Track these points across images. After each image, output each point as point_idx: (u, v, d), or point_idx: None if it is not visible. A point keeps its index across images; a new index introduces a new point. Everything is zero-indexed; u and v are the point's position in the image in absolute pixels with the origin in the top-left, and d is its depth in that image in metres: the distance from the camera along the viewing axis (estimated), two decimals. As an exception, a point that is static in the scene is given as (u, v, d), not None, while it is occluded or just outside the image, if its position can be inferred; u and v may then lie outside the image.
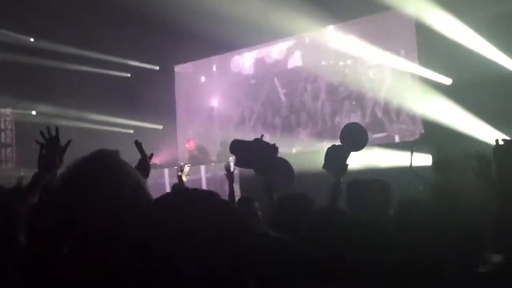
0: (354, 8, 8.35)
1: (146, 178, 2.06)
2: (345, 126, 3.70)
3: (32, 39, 10.35)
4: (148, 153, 2.39)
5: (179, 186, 4.32)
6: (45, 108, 10.78)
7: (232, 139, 3.28)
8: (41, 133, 2.11)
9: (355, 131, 3.64)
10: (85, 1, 8.29)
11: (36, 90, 10.71)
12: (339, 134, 3.50)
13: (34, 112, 11.46)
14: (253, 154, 3.08)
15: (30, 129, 10.22)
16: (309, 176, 4.70)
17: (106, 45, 10.16)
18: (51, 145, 2.08)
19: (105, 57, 10.81)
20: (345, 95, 9.46)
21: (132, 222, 1.22)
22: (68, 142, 2.18)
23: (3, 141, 12.42)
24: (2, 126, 12.42)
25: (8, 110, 12.09)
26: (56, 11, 8.49)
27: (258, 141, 3.15)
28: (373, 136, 8.81)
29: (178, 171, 4.07)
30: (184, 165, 4.10)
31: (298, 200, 2.71)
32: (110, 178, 1.34)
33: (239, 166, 3.16)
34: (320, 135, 9.56)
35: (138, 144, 2.36)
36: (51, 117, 10.25)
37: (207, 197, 1.27)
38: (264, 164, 3.05)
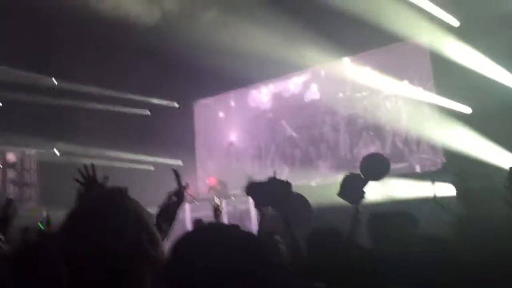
0: (368, 40, 8.43)
1: (179, 208, 2.10)
2: (365, 156, 3.69)
3: (54, 80, 10.63)
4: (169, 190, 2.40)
5: (199, 221, 4.38)
6: (67, 147, 10.97)
7: (252, 173, 3.31)
8: (80, 172, 2.15)
9: (375, 161, 3.63)
10: (104, 41, 8.51)
11: (58, 129, 10.93)
12: (359, 164, 3.49)
13: (56, 152, 11.66)
14: (268, 193, 3.12)
15: (53, 169, 10.39)
16: (330, 209, 4.66)
17: (125, 83, 10.38)
18: (89, 183, 2.12)
19: (124, 96, 11.05)
20: (363, 126, 9.45)
21: (130, 259, 1.24)
22: (106, 179, 2.22)
23: (26, 180, 12.63)
24: (26, 166, 12.65)
25: (32, 151, 12.34)
26: (76, 51, 8.74)
27: (272, 180, 3.19)
28: (393, 166, 8.72)
29: (213, 205, 4.22)
30: (220, 202, 4.31)
31: (327, 235, 2.71)
32: (108, 215, 1.36)
33: (257, 207, 3.21)
34: (339, 167, 9.51)
35: (176, 174, 2.38)
36: (74, 156, 10.42)
37: (231, 231, 1.28)
38: (280, 202, 3.08)
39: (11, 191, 12.88)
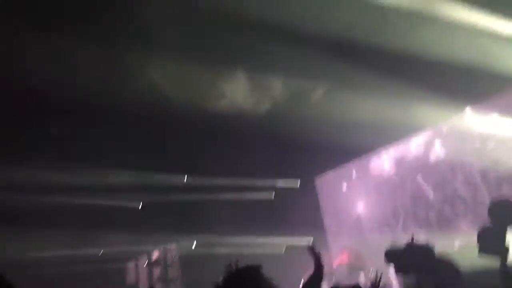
0: (489, 87, 8.01)
1: (321, 284, 2.09)
2: (494, 203, 3.40)
3: (185, 179, 11.47)
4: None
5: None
6: (203, 238, 11.52)
7: (386, 241, 3.18)
8: (228, 266, 2.25)
9: (508, 207, 3.33)
10: (224, 135, 9.07)
11: (194, 223, 11.60)
12: (488, 212, 3.21)
13: (194, 244, 12.27)
14: (409, 258, 2.95)
15: (192, 261, 10.90)
16: (481, 271, 4.26)
17: (248, 171, 10.86)
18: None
19: (249, 183, 11.51)
20: (501, 177, 8.71)
21: None
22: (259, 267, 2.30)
23: (170, 276, 13.33)
24: (169, 262, 13.42)
25: (173, 246, 13.14)
26: (202, 149, 9.42)
27: (411, 244, 3.04)
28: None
29: (371, 281, 3.48)
30: (374, 271, 3.55)
31: None
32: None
33: (399, 274, 3.01)
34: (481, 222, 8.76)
35: (312, 250, 2.38)
36: (210, 247, 10.88)
37: None
38: (423, 267, 2.89)
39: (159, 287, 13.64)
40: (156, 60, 6.74)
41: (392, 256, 3.05)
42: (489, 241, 3.01)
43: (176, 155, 9.62)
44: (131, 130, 8.47)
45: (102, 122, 8.12)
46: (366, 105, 8.04)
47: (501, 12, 6.89)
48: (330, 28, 7.09)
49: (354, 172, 11.49)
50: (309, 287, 2.15)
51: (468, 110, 9.06)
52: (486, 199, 8.93)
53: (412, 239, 3.18)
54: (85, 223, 10.28)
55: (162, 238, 12.40)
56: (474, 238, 8.40)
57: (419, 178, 10.07)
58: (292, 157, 10.27)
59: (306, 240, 11.34)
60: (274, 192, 12.17)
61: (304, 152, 9.87)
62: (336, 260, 10.84)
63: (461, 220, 9.22)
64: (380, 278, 3.22)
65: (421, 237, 8.99)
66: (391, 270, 7.71)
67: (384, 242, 9.72)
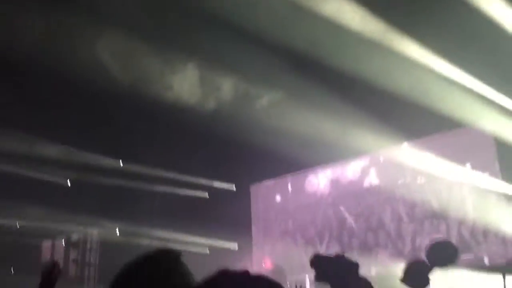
0: (428, 125, 8.31)
1: None
2: (432, 242, 3.51)
3: (120, 162, 11.17)
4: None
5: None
6: (128, 227, 11.25)
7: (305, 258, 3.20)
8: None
9: (443, 247, 3.44)
10: (166, 127, 8.92)
11: (120, 210, 11.31)
12: (425, 249, 3.30)
13: (117, 232, 11.97)
14: (335, 269, 2.95)
15: (113, 249, 10.61)
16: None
17: (186, 167, 10.72)
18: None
19: (185, 178, 11.36)
20: (426, 215, 9.01)
21: None
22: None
23: (88, 260, 12.93)
24: (88, 246, 13.02)
25: (95, 230, 12.75)
26: (141, 136, 9.21)
27: (340, 257, 3.04)
28: (460, 257, 8.20)
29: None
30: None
31: None
32: (156, 271, 1.36)
33: (318, 281, 3.01)
34: (400, 256, 9.03)
35: None
36: (134, 237, 10.63)
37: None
38: (343, 282, 2.90)
39: (73, 270, 13.19)
40: (106, 38, 6.52)
41: (317, 261, 3.02)
42: (415, 275, 3.10)
43: (114, 137, 9.34)
44: (72, 103, 8.14)
45: (41, 90, 7.78)
46: (310, 121, 8.13)
47: (449, 55, 7.19)
48: (291, 40, 7.15)
49: (289, 185, 11.58)
50: None
51: (405, 144, 9.35)
52: (408, 233, 9.24)
53: (343, 253, 3.20)
54: (6, 192, 9.78)
55: (85, 220, 12.00)
56: (390, 268, 8.70)
57: (349, 203, 10.27)
58: (231, 160, 10.23)
59: (231, 244, 11.35)
60: (208, 193, 12.07)
61: (244, 157, 9.85)
62: (258, 266, 10.86)
63: (381, 250, 9.47)
64: None
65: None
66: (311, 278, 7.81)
67: (305, 258, 9.86)
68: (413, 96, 7.46)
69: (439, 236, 8.64)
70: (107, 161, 10.92)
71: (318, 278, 3.03)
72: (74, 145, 9.93)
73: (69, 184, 11.25)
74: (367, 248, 9.64)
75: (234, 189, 11.93)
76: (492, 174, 8.23)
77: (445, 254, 3.26)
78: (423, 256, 3.31)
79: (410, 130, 8.61)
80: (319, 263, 3.01)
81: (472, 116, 7.85)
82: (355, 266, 2.94)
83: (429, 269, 3.11)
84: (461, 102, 7.57)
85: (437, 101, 7.53)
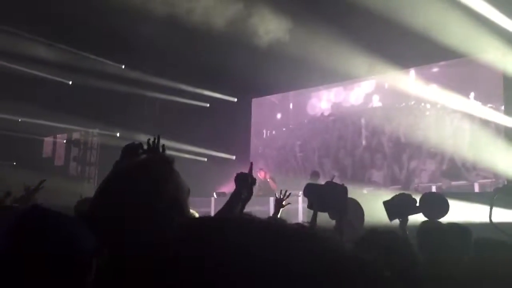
0: (436, 52, 8.14)
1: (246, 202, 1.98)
2: (425, 194, 3.65)
3: (123, 66, 11.07)
4: (221, 181, 2.26)
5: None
6: (127, 132, 11.40)
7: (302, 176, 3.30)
8: (148, 141, 2.08)
9: (436, 200, 3.58)
10: (173, 37, 8.71)
11: (121, 114, 11.39)
12: (419, 200, 3.42)
13: (118, 134, 12.14)
14: (326, 197, 3.08)
15: (112, 151, 10.82)
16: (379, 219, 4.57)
17: (189, 76, 10.64)
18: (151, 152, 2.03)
19: (187, 88, 11.33)
20: (423, 140, 9.10)
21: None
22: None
23: (88, 159, 13.24)
24: (89, 145, 13.27)
25: (95, 131, 12.93)
26: (144, 43, 9.02)
27: (330, 184, 3.16)
28: (451, 183, 8.45)
29: (276, 197, 3.50)
30: (285, 194, 3.44)
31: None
32: (146, 184, 1.33)
33: (312, 209, 3.15)
34: (393, 179, 9.30)
35: (251, 168, 2.20)
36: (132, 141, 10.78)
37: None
38: (336, 206, 3.04)
39: (74, 168, 13.56)
40: None
41: (309, 190, 3.15)
42: (400, 207, 3.26)
43: (121, 42, 9.15)
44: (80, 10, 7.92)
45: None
46: (321, 45, 8.00)
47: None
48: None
49: (291, 104, 11.62)
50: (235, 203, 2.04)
51: (411, 71, 9.28)
52: (405, 158, 9.40)
53: (332, 178, 3.33)
54: (10, 91, 9.79)
55: (86, 121, 12.13)
56: (381, 191, 8.93)
57: (350, 123, 10.36)
58: (235, 73, 10.12)
59: (229, 156, 11.58)
60: (209, 103, 12.10)
61: (248, 71, 9.73)
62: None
63: (376, 171, 9.69)
64: (287, 195, 3.36)
65: (336, 179, 9.41)
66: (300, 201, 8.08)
67: (301, 175, 10.12)
68: (422, 23, 7.28)
69: (433, 162, 8.85)
70: (110, 65, 10.84)
71: (312, 206, 3.15)
72: (80, 48, 9.83)
73: (70, 84, 11.27)
74: (362, 168, 9.87)
75: (236, 100, 11.95)
76: (496, 107, 8.24)
77: (436, 207, 3.39)
78: (414, 179, 3.45)
79: (417, 58, 8.49)
80: (312, 192, 3.14)
81: (482, 46, 7.70)
82: (344, 190, 3.07)
83: (416, 211, 3.25)
84: (472, 31, 7.39)
85: (447, 29, 7.35)
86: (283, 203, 3.36)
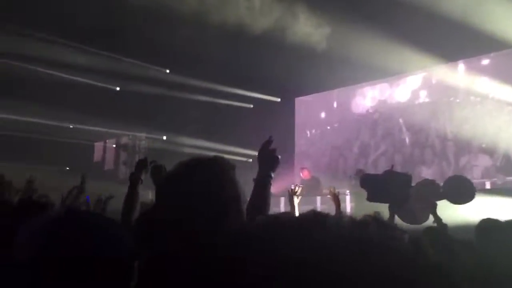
0: (485, 43, 7.85)
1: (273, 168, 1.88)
2: (448, 179, 3.49)
3: (167, 71, 11.27)
4: None
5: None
6: (173, 136, 11.61)
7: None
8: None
9: (460, 184, 3.42)
10: (214, 38, 8.80)
11: (167, 118, 11.61)
12: (443, 185, 3.27)
13: (164, 138, 12.38)
14: (386, 187, 2.88)
15: (160, 154, 11.03)
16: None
17: (232, 78, 10.71)
18: None
19: (230, 90, 11.41)
20: (474, 135, 8.77)
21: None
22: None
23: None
24: (137, 149, 13.59)
25: (143, 135, 13.24)
26: (188, 48, 9.15)
27: (390, 173, 2.96)
28: (505, 179, 8.12)
29: (288, 190, 3.41)
30: (296, 186, 3.42)
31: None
32: (206, 184, 1.34)
33: (372, 201, 2.93)
34: (443, 176, 9.02)
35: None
36: (178, 145, 10.98)
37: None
38: (398, 196, 2.85)
39: (123, 172, 13.91)
40: None
41: (367, 181, 2.98)
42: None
43: (165, 47, 9.33)
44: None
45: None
46: (363, 42, 7.88)
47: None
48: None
49: (335, 103, 11.48)
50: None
51: (460, 64, 8.98)
52: (453, 154, 9.11)
53: (392, 167, 3.14)
54: (59, 97, 10.17)
55: (133, 126, 12.43)
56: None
57: (398, 120, 10.13)
58: (277, 72, 10.11)
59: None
60: (253, 104, 12.13)
61: (290, 69, 9.69)
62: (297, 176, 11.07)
63: (425, 168, 9.42)
64: (336, 193, 3.31)
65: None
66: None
67: (347, 173, 9.97)
68: (469, 13, 7.05)
69: (484, 158, 8.53)
70: (155, 70, 11.06)
71: (372, 198, 2.91)
72: (126, 55, 10.10)
73: (117, 89, 11.58)
74: (411, 165, 9.59)
75: (279, 100, 11.93)
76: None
77: (461, 191, 3.22)
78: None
79: (465, 50, 8.22)
80: (370, 183, 2.94)
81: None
82: (408, 179, 2.86)
83: (439, 194, 3.09)
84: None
85: (496, 19, 7.08)
86: (297, 193, 3.27)
